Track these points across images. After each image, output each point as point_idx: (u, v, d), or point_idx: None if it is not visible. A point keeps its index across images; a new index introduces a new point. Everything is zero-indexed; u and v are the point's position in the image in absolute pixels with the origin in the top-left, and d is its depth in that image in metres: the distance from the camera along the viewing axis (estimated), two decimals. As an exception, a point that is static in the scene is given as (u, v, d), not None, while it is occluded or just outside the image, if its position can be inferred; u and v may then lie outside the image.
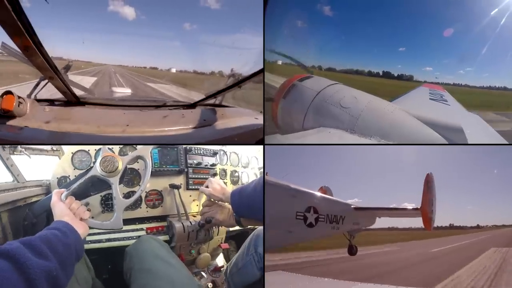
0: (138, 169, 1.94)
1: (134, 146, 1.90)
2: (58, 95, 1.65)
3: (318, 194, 2.82)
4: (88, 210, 1.50)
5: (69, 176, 1.51)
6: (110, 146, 1.50)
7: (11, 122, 1.37)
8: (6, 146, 1.67)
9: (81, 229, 1.13)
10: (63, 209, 1.19)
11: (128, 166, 1.49)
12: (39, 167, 1.91)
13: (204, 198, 2.02)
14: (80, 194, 1.36)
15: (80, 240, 1.09)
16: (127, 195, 1.85)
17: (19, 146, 1.76)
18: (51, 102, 1.68)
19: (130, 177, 1.90)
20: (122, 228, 1.41)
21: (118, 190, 1.38)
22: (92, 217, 1.31)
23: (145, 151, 1.53)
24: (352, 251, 4.23)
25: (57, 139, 1.44)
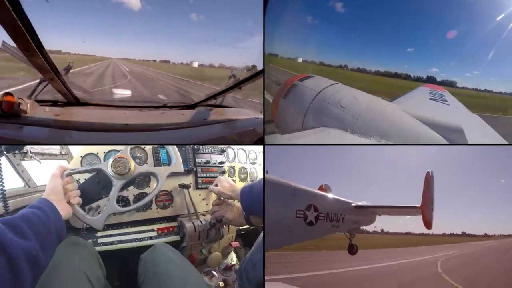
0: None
1: (143, 147, 1.92)
2: (58, 96, 1.65)
3: (319, 192, 2.81)
4: (98, 213, 1.51)
5: (78, 179, 1.52)
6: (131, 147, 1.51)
7: (11, 122, 1.37)
8: (16, 152, 1.69)
9: (64, 211, 1.13)
10: (56, 185, 1.18)
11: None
12: (49, 171, 1.93)
13: (213, 197, 2.03)
14: (91, 196, 1.38)
15: (61, 221, 1.09)
16: (137, 197, 1.87)
17: (29, 152, 1.78)
18: (51, 103, 1.69)
19: (140, 178, 1.90)
20: (101, 230, 1.44)
21: (116, 194, 1.39)
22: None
23: (163, 173, 1.56)
24: (352, 250, 4.22)
25: (58, 139, 1.44)
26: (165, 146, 1.80)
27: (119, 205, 1.51)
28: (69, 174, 1.27)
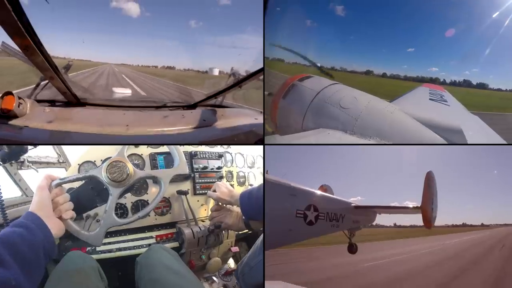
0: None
1: (140, 154, 1.89)
2: (58, 96, 1.65)
3: (318, 192, 2.80)
4: (97, 221, 1.42)
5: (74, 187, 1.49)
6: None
7: (11, 123, 1.36)
8: (13, 161, 1.66)
9: (55, 229, 1.00)
10: (44, 198, 1.02)
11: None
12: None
13: (212, 203, 2.02)
14: (84, 204, 1.24)
15: (51, 239, 0.96)
16: (136, 204, 1.84)
17: (26, 161, 1.76)
18: (51, 103, 1.68)
19: (138, 185, 1.86)
20: (100, 246, 1.29)
21: (114, 204, 1.20)
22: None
23: (166, 176, 1.40)
24: (352, 249, 4.22)
25: (57, 139, 1.44)
26: (168, 146, 1.74)
27: (117, 214, 1.34)
28: (58, 185, 1.09)
